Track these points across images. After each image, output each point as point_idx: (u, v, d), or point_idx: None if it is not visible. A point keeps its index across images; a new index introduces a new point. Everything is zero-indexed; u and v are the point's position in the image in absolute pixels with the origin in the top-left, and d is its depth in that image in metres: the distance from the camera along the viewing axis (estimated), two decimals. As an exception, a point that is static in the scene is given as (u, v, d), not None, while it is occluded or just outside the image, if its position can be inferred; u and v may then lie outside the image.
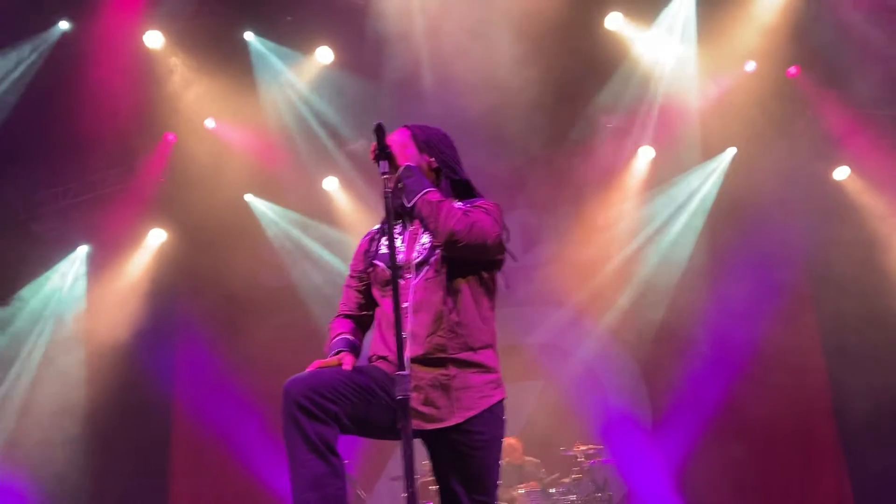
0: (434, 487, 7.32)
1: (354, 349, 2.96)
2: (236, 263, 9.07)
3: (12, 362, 9.03)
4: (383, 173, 2.76)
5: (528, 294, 8.84)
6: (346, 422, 2.65)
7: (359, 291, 3.11)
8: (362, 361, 2.98)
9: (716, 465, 8.71)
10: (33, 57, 8.31)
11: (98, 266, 9.51)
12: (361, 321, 3.10)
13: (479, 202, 2.96)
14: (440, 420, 2.79)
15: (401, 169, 2.88)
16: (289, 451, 2.59)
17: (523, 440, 8.27)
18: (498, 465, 2.93)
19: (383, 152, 2.77)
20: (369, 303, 3.08)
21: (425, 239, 2.93)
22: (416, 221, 2.99)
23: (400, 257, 2.91)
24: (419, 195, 2.84)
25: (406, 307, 2.82)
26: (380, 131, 2.76)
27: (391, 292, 2.64)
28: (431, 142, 3.02)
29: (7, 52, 8.22)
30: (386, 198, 2.73)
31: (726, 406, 8.79)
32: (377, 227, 3.13)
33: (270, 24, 8.71)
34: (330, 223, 9.65)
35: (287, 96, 9.03)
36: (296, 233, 9.74)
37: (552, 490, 7.58)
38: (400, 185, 2.86)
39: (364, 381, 2.74)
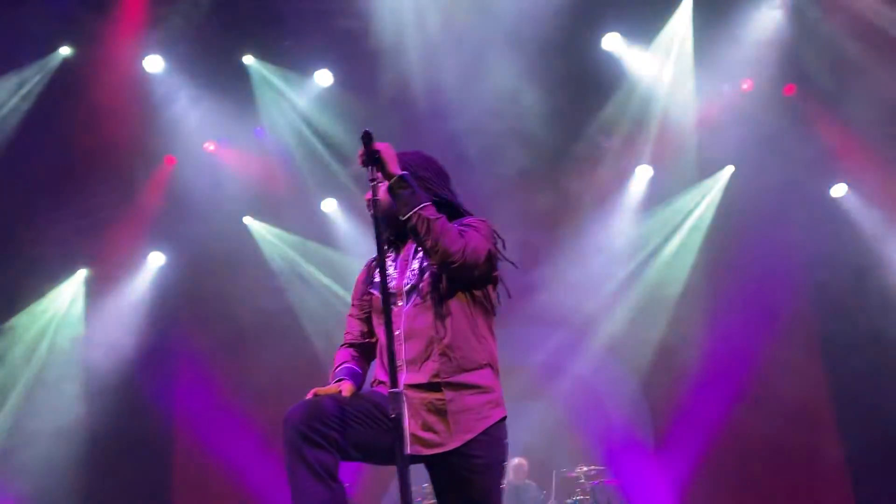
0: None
1: (355, 377, 2.95)
2: (235, 286, 9.07)
3: (11, 387, 8.98)
4: (371, 179, 2.74)
5: (529, 314, 8.81)
6: (347, 448, 2.65)
7: (361, 320, 3.11)
8: (365, 388, 2.98)
9: (719, 485, 8.67)
10: (35, 82, 8.36)
11: (97, 290, 9.49)
12: (365, 349, 3.09)
13: (467, 220, 2.94)
14: (439, 445, 2.77)
15: (395, 178, 2.79)
16: (290, 479, 2.58)
17: (528, 461, 8.24)
18: (500, 489, 2.91)
19: (371, 157, 2.75)
20: (372, 330, 3.07)
21: (415, 265, 2.93)
22: (406, 247, 3.00)
23: (392, 284, 2.89)
24: (415, 209, 2.78)
25: (398, 334, 2.82)
26: (367, 137, 2.74)
27: (384, 320, 2.64)
28: (410, 164, 2.96)
29: (9, 77, 8.26)
30: (374, 204, 2.70)
31: (728, 425, 8.75)
32: (376, 255, 3.12)
33: (269, 48, 8.78)
34: (329, 245, 9.66)
35: (286, 119, 9.07)
36: (295, 255, 9.74)
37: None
38: (393, 194, 2.81)
39: (364, 406, 2.73)
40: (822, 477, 8.73)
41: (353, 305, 3.15)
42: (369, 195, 2.73)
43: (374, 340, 3.06)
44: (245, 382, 9.21)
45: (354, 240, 9.48)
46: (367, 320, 3.08)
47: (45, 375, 9.13)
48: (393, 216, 2.88)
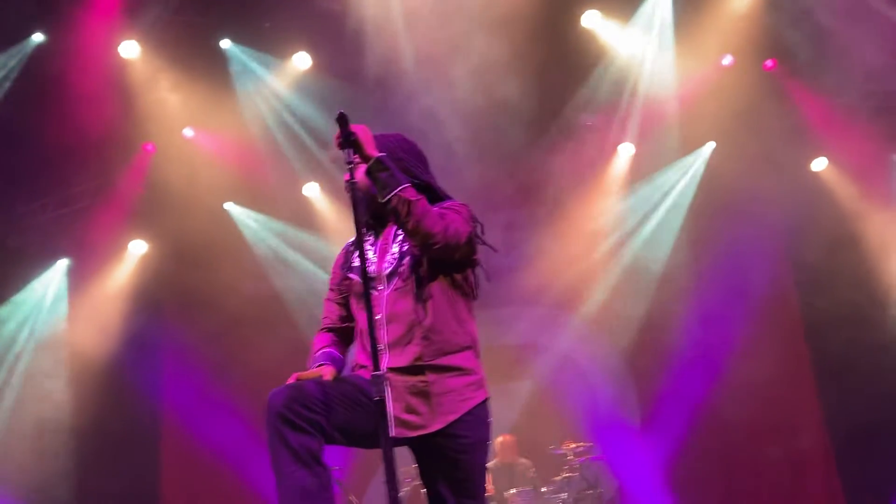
0: (424, 490, 7.33)
1: (336, 361, 2.94)
2: (219, 273, 9.02)
3: (-7, 378, 8.93)
4: (348, 162, 2.70)
5: (511, 294, 8.83)
6: (331, 432, 2.65)
7: (339, 304, 3.10)
8: (347, 372, 2.97)
9: (705, 460, 8.76)
10: (7, 70, 8.23)
11: (79, 280, 9.42)
12: (344, 333, 3.08)
13: (447, 203, 2.94)
14: (423, 427, 2.78)
15: (372, 161, 2.76)
16: (274, 464, 2.57)
17: (516, 439, 8.27)
18: (484, 468, 2.93)
19: (347, 140, 2.70)
20: (350, 314, 3.06)
21: (395, 248, 2.93)
22: (386, 231, 2.99)
23: (371, 269, 2.89)
24: (395, 191, 2.75)
25: (379, 318, 2.82)
26: (342, 119, 2.70)
27: (365, 304, 2.63)
28: (389, 146, 2.93)
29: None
30: (351, 187, 2.66)
31: (714, 400, 8.83)
32: (353, 239, 3.08)
33: (248, 31, 8.68)
34: (311, 230, 9.62)
35: (265, 103, 9.00)
36: (277, 241, 9.70)
37: (544, 489, 7.58)
38: (372, 177, 2.78)
39: (347, 389, 2.73)
40: (807, 449, 8.83)
41: (330, 290, 3.14)
42: (347, 177, 2.69)
43: (352, 325, 3.05)
44: (231, 370, 9.18)
45: (338, 224, 9.44)
46: (345, 304, 3.07)
47: (27, 367, 9.07)
48: (372, 199, 2.86)
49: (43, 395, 8.90)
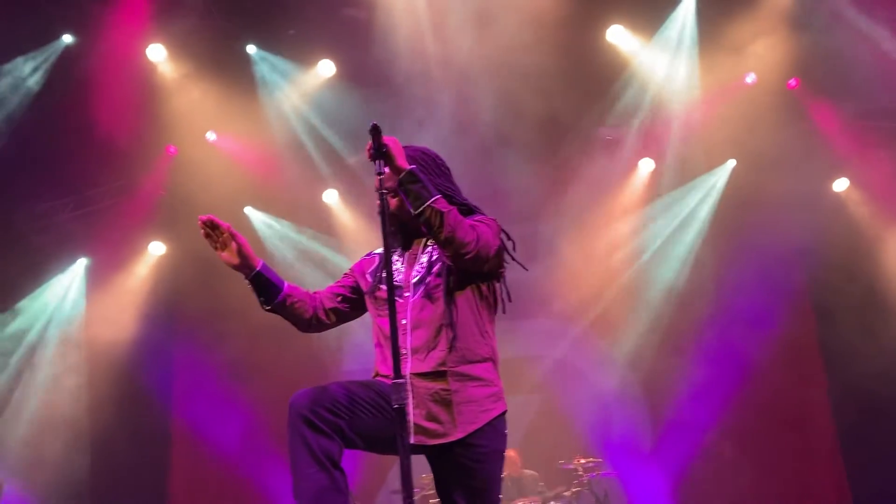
0: (434, 501, 7.33)
1: (291, 289, 3.07)
2: (234, 276, 8.99)
3: (11, 374, 9.00)
4: (378, 173, 2.73)
5: (527, 307, 8.81)
6: (352, 436, 2.67)
7: (334, 294, 3.16)
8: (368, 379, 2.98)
9: (715, 479, 8.68)
10: (37, 70, 8.33)
11: (97, 279, 9.50)
12: (312, 300, 3.13)
13: (477, 217, 2.96)
14: (443, 435, 2.80)
15: (404, 172, 2.79)
16: (292, 464, 2.60)
17: (523, 453, 8.25)
18: (500, 479, 2.95)
19: (379, 151, 2.73)
20: (333, 309, 3.14)
21: (424, 259, 2.97)
22: (415, 243, 3.02)
23: (399, 278, 2.94)
24: (428, 202, 2.76)
25: (405, 325, 2.85)
26: (375, 131, 2.73)
27: (388, 310, 2.64)
28: (416, 159, 2.96)
29: (11, 65, 8.24)
30: (381, 197, 2.69)
31: (726, 420, 8.76)
32: (379, 251, 3.12)
33: (273, 38, 8.74)
34: (330, 236, 9.65)
35: (288, 109, 9.05)
36: (295, 246, 9.74)
37: (552, 503, 7.55)
38: (403, 189, 2.80)
39: (369, 395, 2.76)
40: (819, 470, 8.76)
41: (335, 283, 3.20)
42: (377, 188, 2.71)
43: (320, 307, 3.12)
44: (244, 374, 9.23)
45: (356, 231, 9.47)
46: (342, 301, 3.15)
47: (44, 365, 9.14)
48: (401, 211, 2.91)
49: (59, 390, 8.97)
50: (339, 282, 3.21)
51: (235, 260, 3.03)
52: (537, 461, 8.20)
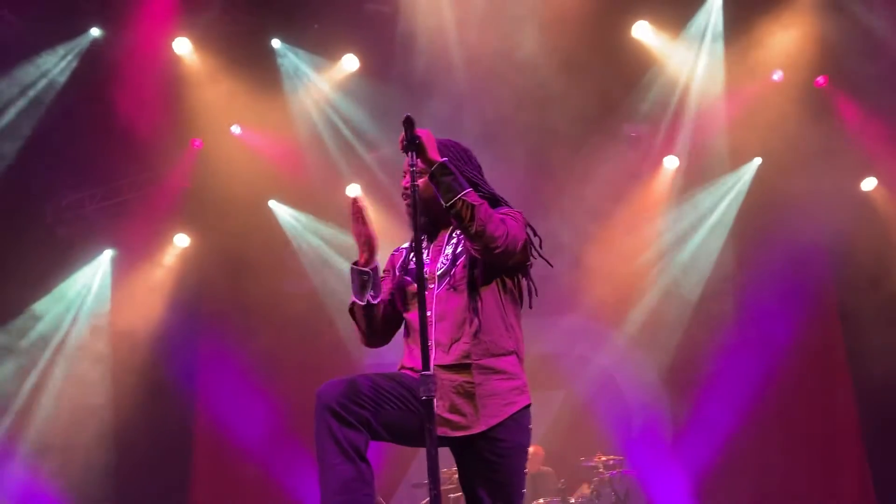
0: (453, 496, 7.34)
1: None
2: (259, 269, 9.11)
3: (36, 366, 9.11)
4: (410, 165, 2.73)
5: (550, 303, 8.75)
6: (378, 428, 2.68)
7: (390, 301, 3.09)
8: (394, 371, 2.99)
9: (737, 479, 8.62)
10: (64, 63, 8.41)
11: (123, 270, 9.59)
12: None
13: (503, 210, 2.96)
14: (466, 428, 2.80)
15: (436, 165, 2.79)
16: (319, 456, 2.61)
17: (544, 449, 8.24)
18: (523, 473, 2.94)
19: (412, 143, 2.73)
20: (395, 317, 3.08)
21: (448, 250, 2.97)
22: (441, 235, 3.03)
23: (424, 269, 2.89)
24: (459, 195, 2.76)
25: (430, 316, 2.84)
26: (409, 123, 2.73)
27: (416, 303, 2.65)
28: (447, 151, 2.95)
29: (38, 57, 8.32)
30: (413, 189, 2.69)
31: (748, 417, 8.70)
32: (405, 245, 3.14)
33: (297, 32, 8.78)
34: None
35: (313, 103, 9.07)
36: (319, 239, 9.77)
37: (572, 500, 7.54)
38: (435, 181, 2.79)
39: (395, 387, 2.76)
40: (843, 469, 8.66)
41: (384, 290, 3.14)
42: (407, 181, 2.72)
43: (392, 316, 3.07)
44: (267, 367, 9.28)
45: (378, 225, 9.44)
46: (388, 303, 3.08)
47: (70, 355, 9.24)
48: (430, 202, 2.90)
49: (84, 382, 9.07)
50: (385, 288, 3.15)
51: (375, 238, 2.97)
52: (558, 458, 8.19)
